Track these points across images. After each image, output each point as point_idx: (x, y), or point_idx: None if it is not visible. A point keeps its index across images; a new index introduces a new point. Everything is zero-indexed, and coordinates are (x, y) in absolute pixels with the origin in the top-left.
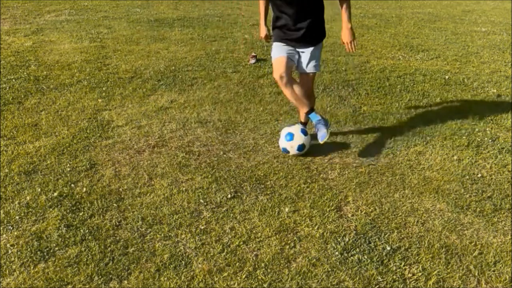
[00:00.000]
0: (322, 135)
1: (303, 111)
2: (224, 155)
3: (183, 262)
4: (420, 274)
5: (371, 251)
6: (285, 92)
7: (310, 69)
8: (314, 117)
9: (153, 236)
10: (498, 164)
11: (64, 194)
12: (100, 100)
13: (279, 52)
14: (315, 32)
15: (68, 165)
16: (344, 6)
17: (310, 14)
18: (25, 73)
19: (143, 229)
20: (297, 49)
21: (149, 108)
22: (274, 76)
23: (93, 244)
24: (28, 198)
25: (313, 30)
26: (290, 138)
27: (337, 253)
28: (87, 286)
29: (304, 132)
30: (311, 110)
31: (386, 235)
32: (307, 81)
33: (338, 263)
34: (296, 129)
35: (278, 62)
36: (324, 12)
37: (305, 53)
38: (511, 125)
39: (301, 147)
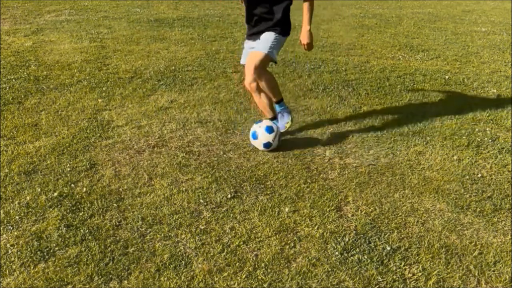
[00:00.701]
0: (282, 125)
1: (267, 116)
2: (224, 155)
3: (183, 262)
4: (420, 274)
5: (371, 251)
6: (254, 98)
7: (257, 47)
8: (278, 108)
9: (153, 236)
10: (498, 164)
11: (64, 194)
12: (100, 100)
13: (244, 57)
14: (272, 20)
15: (68, 165)
16: (306, 7)
17: (267, 5)
18: (25, 73)
19: (143, 229)
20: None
21: (149, 108)
22: (244, 83)
23: (93, 244)
24: (28, 198)
25: (268, 19)
26: (254, 137)
27: (337, 253)
28: (87, 286)
29: (269, 130)
30: (277, 103)
31: (386, 235)
32: (251, 58)
33: (338, 263)
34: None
35: (245, 70)
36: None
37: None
38: (511, 125)
39: (267, 145)
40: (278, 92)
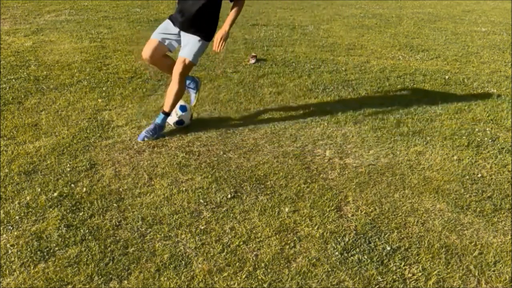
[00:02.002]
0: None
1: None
2: (224, 155)
3: (183, 262)
4: (420, 274)
5: (371, 251)
6: (156, 68)
7: (182, 53)
8: (158, 118)
9: (153, 236)
10: (498, 164)
11: (64, 194)
12: (100, 100)
13: (156, 32)
14: (200, 23)
15: (68, 165)
16: (234, 11)
17: (201, 8)
18: (25, 73)
19: (143, 229)
20: (180, 33)
21: (149, 108)
22: (142, 54)
23: (93, 244)
24: (28, 198)
25: (197, 21)
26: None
27: (337, 253)
28: (87, 286)
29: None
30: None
31: (386, 235)
32: (177, 63)
33: (338, 263)
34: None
35: (148, 43)
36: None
37: (184, 37)
38: (511, 125)
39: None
40: (173, 106)
